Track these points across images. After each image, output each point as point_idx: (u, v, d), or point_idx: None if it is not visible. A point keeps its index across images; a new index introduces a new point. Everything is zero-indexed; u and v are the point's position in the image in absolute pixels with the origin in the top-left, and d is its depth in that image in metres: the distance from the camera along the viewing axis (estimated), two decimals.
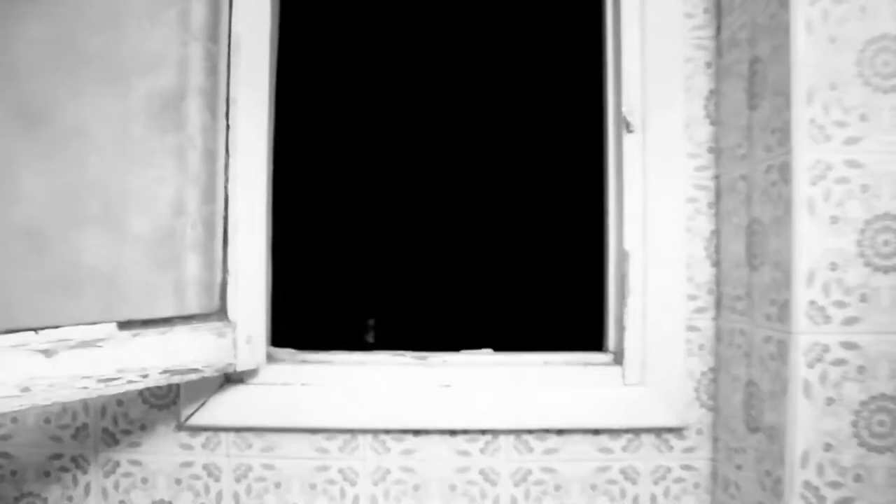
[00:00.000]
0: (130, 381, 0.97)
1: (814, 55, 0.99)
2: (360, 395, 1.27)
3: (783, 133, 1.01)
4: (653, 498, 1.27)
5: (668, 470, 1.28)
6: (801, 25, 0.99)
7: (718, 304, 1.25)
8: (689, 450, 1.28)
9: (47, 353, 0.87)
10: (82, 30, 1.18)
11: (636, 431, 1.27)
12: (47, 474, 1.31)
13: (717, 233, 1.26)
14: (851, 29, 0.99)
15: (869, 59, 0.98)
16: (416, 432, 1.28)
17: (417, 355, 1.31)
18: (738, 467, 1.16)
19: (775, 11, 1.04)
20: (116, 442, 1.30)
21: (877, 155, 0.98)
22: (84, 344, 0.92)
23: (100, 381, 0.93)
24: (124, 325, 0.97)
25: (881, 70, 0.98)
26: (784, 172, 1.01)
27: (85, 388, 0.91)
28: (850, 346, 0.98)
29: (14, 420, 1.31)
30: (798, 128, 0.98)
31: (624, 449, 1.27)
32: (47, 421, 1.31)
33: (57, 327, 0.90)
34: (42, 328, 0.88)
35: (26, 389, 0.85)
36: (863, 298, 0.98)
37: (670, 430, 1.27)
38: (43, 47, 1.16)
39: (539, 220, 2.18)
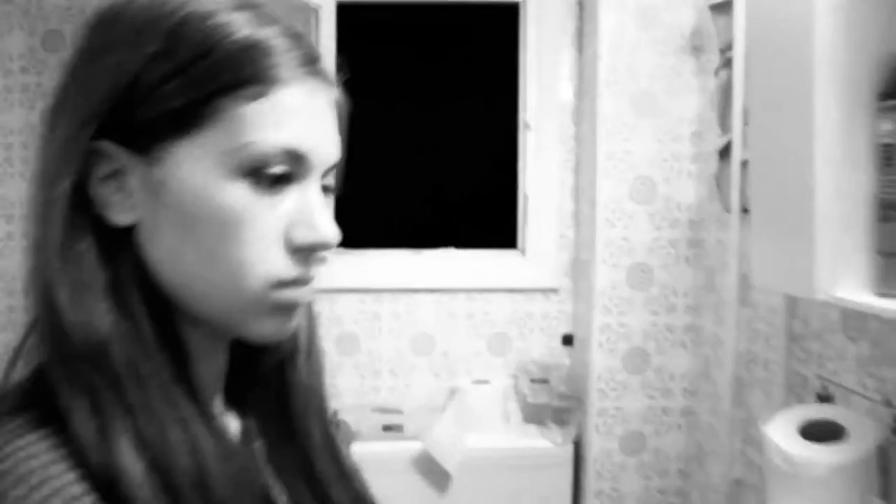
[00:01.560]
0: None
1: (610, 105, 2.03)
2: (383, 271, 2.34)
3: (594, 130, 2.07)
4: (542, 326, 2.36)
5: (550, 312, 2.36)
6: (602, 85, 2.03)
7: (576, 225, 2.33)
8: (561, 302, 2.36)
9: None
10: None
11: (532, 291, 2.35)
12: None
13: (576, 186, 2.32)
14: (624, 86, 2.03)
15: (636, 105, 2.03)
16: (413, 291, 2.35)
17: (414, 251, 2.38)
18: (582, 307, 2.25)
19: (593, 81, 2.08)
20: None
21: (640, 148, 2.04)
22: None
23: None
24: None
25: (641, 106, 2.03)
26: (593, 157, 2.07)
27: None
28: (624, 237, 2.05)
29: None
30: (601, 131, 2.04)
31: (526, 300, 2.36)
32: None
33: None
34: None
35: None
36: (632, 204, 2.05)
37: (551, 291, 2.36)
38: None
39: (490, 171, 3.29)
